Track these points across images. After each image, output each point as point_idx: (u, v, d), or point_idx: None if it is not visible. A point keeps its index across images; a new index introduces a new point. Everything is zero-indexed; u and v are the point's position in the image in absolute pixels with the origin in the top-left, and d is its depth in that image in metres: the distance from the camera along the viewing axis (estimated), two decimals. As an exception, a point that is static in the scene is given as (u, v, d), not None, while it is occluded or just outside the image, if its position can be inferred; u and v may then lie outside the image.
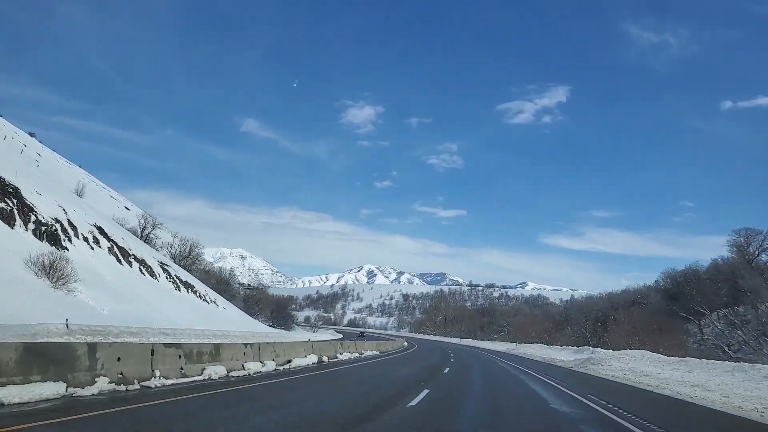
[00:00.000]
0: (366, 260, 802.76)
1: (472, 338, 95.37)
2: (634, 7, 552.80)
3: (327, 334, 71.16)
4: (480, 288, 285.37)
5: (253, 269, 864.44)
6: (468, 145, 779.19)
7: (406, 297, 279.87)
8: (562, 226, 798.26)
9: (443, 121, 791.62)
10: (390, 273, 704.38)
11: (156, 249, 57.98)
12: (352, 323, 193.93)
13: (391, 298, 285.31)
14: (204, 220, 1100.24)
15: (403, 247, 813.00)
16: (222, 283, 69.05)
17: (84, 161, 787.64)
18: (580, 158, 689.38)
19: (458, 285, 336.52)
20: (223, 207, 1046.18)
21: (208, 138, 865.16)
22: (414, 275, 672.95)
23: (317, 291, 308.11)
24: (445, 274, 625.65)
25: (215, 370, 11.86)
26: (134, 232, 56.57)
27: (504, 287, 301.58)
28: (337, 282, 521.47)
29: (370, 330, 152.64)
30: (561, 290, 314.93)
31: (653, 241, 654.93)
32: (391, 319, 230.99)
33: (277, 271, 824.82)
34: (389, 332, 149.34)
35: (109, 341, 13.51)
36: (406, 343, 53.22)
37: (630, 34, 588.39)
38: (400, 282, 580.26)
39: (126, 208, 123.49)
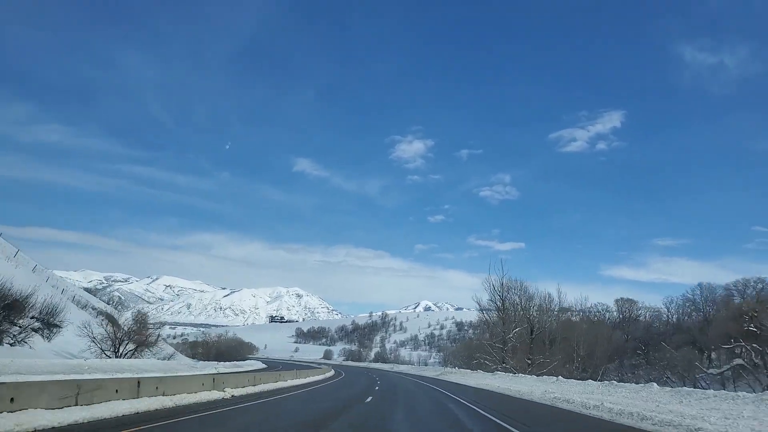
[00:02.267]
0: (423, 297, 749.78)
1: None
2: (687, 28, 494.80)
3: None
4: (555, 312, 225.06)
5: (309, 307, 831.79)
6: (521, 176, 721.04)
7: (460, 326, 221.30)
8: (624, 257, 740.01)
9: (494, 152, 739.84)
10: (448, 309, 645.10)
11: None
12: (379, 357, 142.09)
13: (442, 328, 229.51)
14: (262, 261, 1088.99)
15: (460, 282, 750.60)
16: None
17: (145, 205, 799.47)
18: (638, 185, 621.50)
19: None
20: (280, 247, 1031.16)
21: (263, 179, 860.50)
22: (473, 310, 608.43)
23: (353, 321, 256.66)
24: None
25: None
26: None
27: (582, 311, 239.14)
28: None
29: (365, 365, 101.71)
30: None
31: (723, 270, 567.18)
32: (433, 353, 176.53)
33: (333, 309, 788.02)
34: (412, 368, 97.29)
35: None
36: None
37: (684, 55, 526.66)
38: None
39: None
